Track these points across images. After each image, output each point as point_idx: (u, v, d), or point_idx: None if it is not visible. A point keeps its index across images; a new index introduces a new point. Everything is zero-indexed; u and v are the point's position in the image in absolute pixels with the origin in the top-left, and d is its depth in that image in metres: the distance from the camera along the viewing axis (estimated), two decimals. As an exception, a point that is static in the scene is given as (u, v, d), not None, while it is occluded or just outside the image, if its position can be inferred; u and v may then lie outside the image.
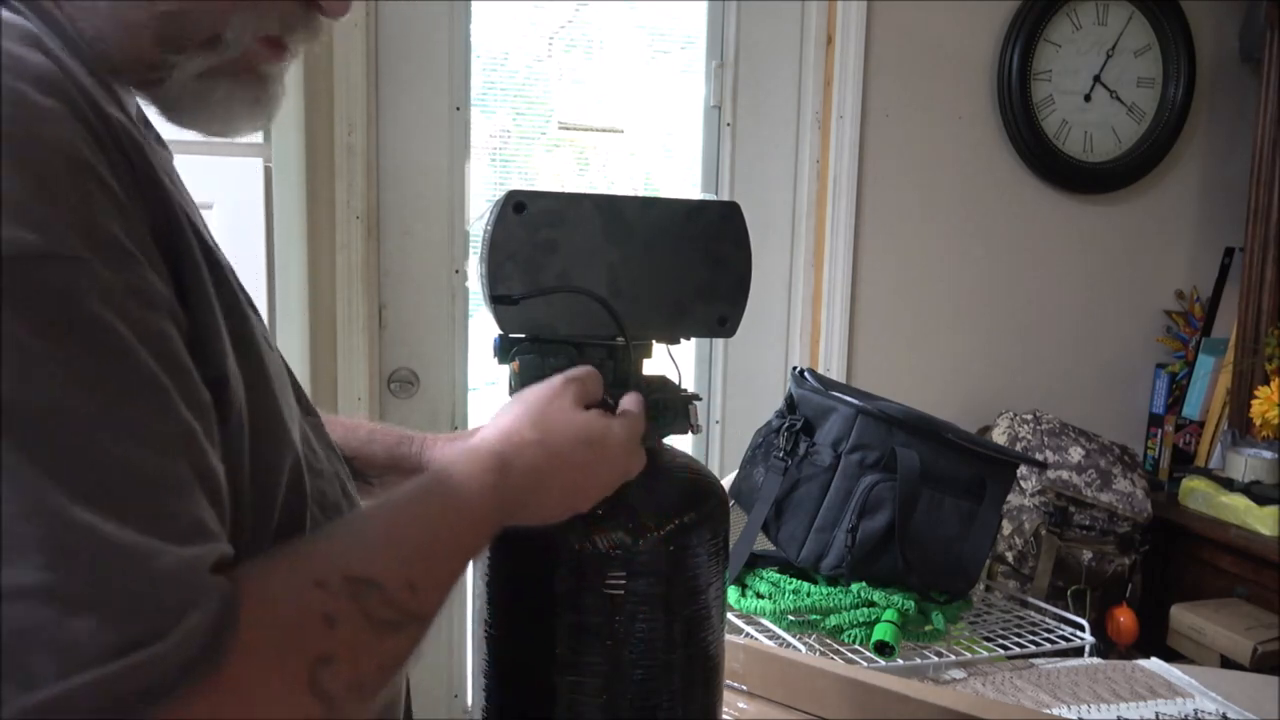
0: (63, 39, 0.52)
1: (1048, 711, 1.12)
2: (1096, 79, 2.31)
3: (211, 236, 0.59)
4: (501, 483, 0.63)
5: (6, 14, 0.49)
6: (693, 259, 0.75)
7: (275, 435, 0.59)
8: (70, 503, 0.42)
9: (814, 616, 1.26)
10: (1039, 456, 2.06)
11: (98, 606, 0.41)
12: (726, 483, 1.37)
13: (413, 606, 0.54)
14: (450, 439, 0.90)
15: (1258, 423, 2.10)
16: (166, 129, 0.64)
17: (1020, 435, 2.11)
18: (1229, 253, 2.43)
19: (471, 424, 2.11)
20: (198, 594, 0.44)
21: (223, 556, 0.47)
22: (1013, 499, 2.02)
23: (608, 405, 0.72)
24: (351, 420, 0.94)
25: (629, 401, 0.73)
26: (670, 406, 0.75)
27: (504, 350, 0.75)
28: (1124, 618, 1.99)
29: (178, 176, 0.63)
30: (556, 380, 0.70)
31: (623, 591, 0.69)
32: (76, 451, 0.43)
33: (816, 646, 1.26)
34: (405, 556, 0.56)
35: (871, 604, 1.25)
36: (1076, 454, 2.07)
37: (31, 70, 0.46)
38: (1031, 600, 1.49)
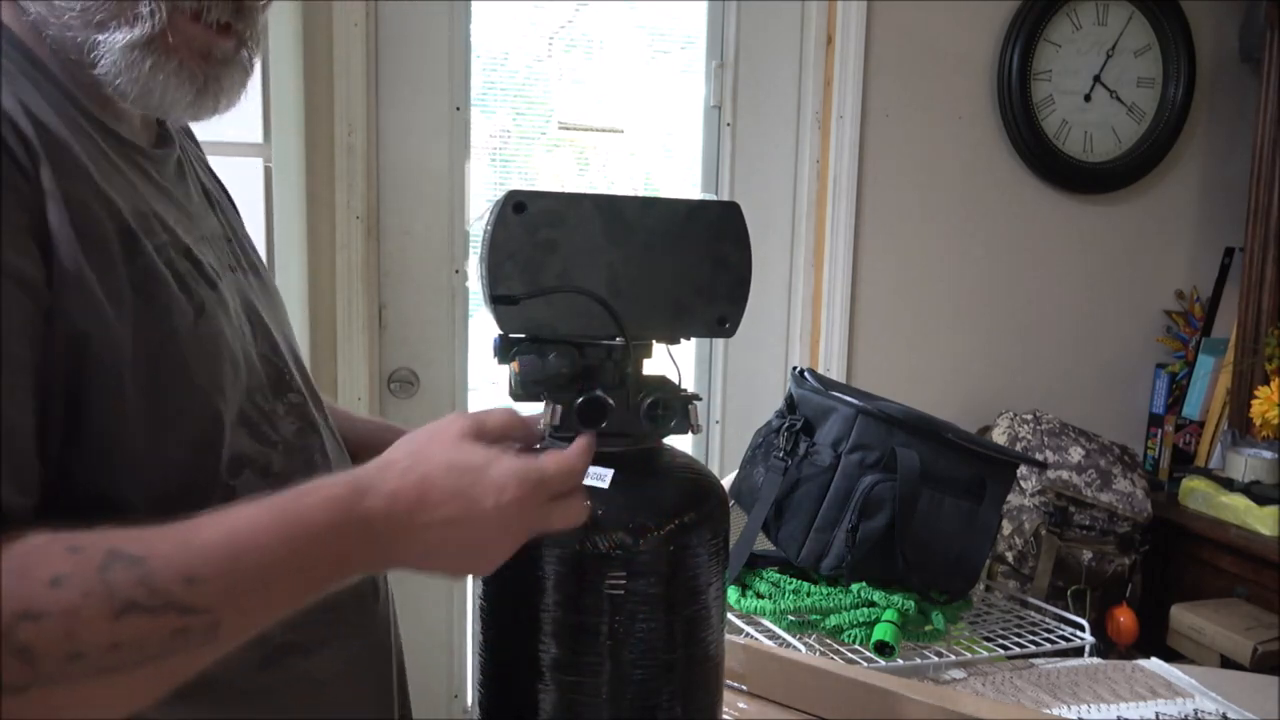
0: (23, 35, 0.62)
1: (1048, 711, 1.12)
2: (1096, 79, 2.30)
3: (161, 218, 0.66)
4: (351, 501, 0.59)
5: None
6: (693, 259, 0.75)
7: (183, 394, 0.63)
8: None
9: (814, 616, 1.26)
10: (1039, 456, 2.06)
11: None
12: (726, 483, 1.37)
13: (181, 596, 0.52)
14: None
15: (1258, 423, 2.10)
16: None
17: (1020, 435, 2.11)
18: (1229, 253, 2.43)
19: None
20: None
21: None
22: (1013, 499, 2.02)
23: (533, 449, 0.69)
24: (359, 415, 0.98)
25: (573, 448, 0.67)
26: (670, 406, 0.75)
27: (504, 350, 0.75)
28: (1124, 618, 1.99)
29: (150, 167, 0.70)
30: (451, 415, 0.67)
31: (623, 591, 0.69)
32: None
33: (816, 646, 1.26)
34: (196, 547, 0.54)
35: (871, 604, 1.25)
36: (1076, 454, 2.07)
37: None
38: (1031, 600, 1.49)
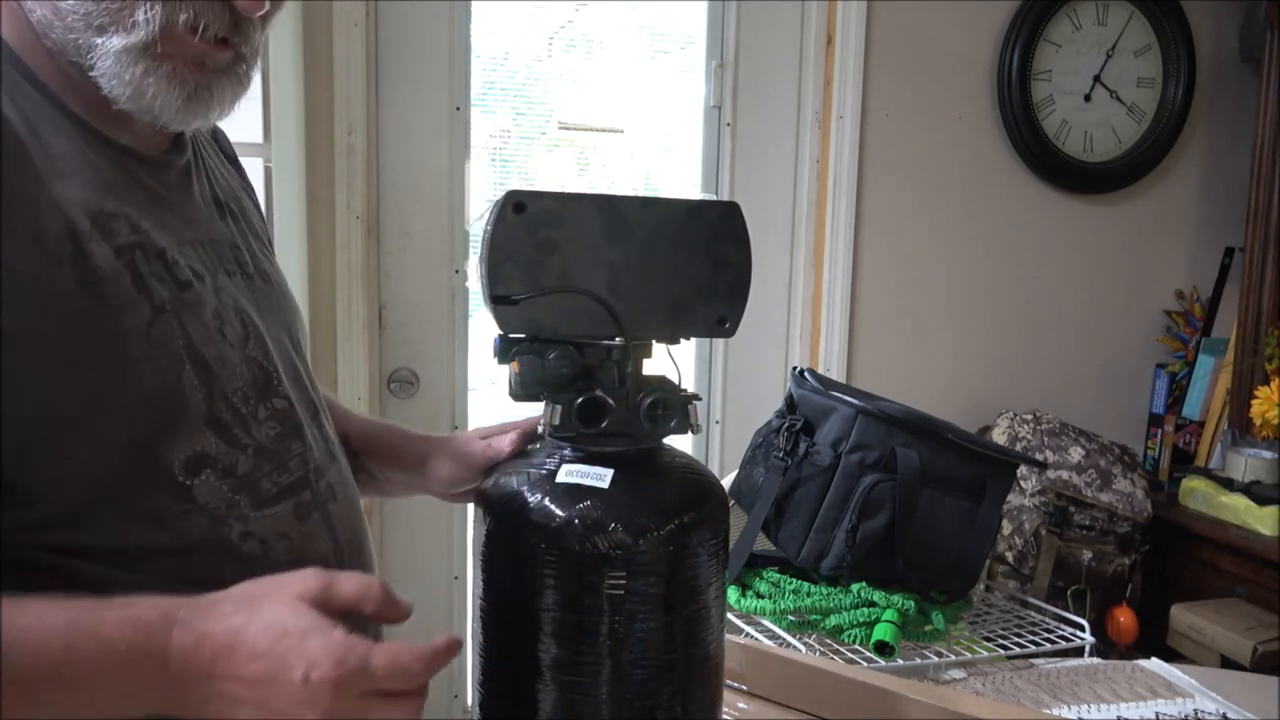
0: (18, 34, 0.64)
1: (1048, 711, 1.12)
2: (1096, 79, 2.30)
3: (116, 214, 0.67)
4: (156, 628, 0.56)
5: None
6: (693, 259, 0.75)
7: (124, 391, 0.64)
8: None
9: (814, 616, 1.26)
10: (1039, 456, 2.06)
11: None
12: (726, 483, 1.37)
13: None
14: (451, 438, 0.92)
15: (1258, 423, 2.10)
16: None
17: (1020, 435, 2.11)
18: (1229, 253, 2.43)
19: (472, 424, 2.11)
20: None
21: None
22: (1013, 499, 2.02)
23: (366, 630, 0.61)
24: (360, 415, 0.98)
25: (413, 651, 0.58)
26: (670, 406, 0.75)
27: (504, 350, 0.75)
28: (1124, 618, 1.99)
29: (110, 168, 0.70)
30: (307, 571, 0.61)
31: (623, 591, 0.69)
32: None
33: (816, 646, 1.26)
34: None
35: (871, 604, 1.25)
36: (1076, 454, 2.07)
37: None
38: (1031, 600, 1.49)
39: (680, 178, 2.24)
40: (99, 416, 0.63)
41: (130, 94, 0.67)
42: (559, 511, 0.70)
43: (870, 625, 1.23)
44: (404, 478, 0.95)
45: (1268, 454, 2.11)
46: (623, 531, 0.69)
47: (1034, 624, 1.38)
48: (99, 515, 0.64)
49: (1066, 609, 1.64)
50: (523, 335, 0.74)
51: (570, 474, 0.72)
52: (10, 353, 0.60)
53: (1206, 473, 2.22)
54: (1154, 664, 1.28)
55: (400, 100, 1.97)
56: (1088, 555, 2.02)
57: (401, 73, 1.97)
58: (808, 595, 1.27)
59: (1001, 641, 1.32)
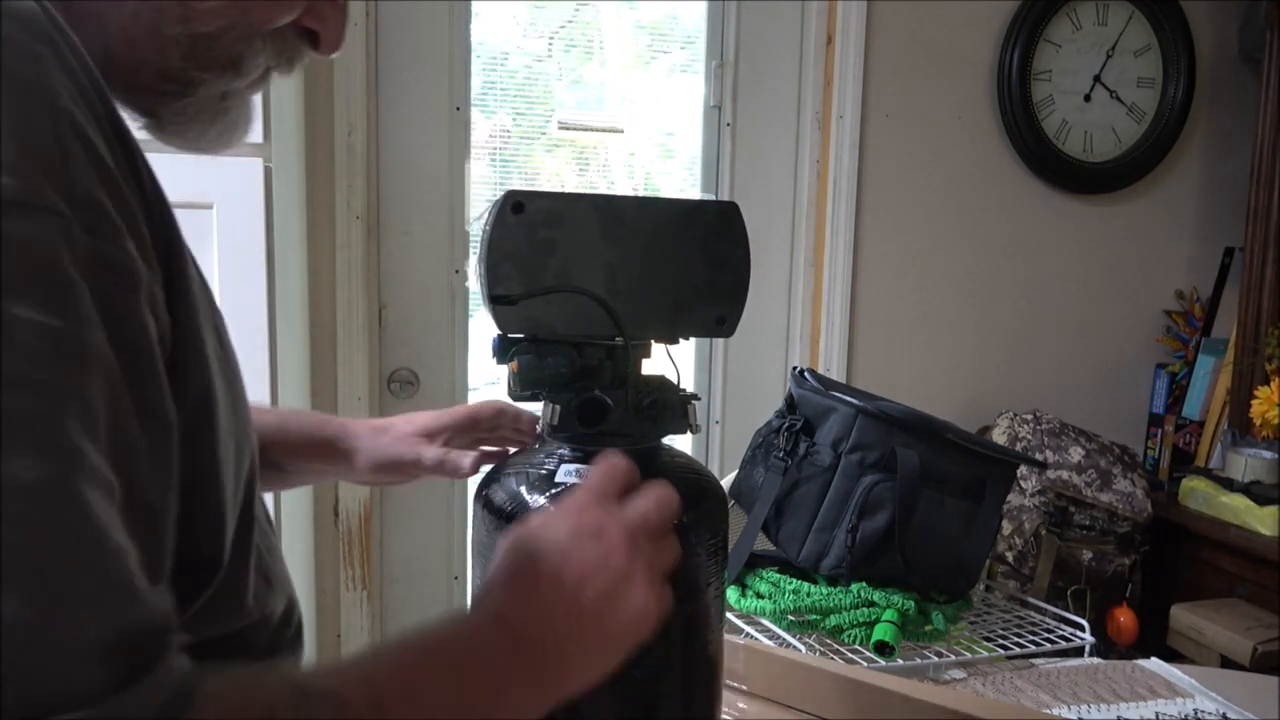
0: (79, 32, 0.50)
1: (1048, 711, 1.12)
2: (1096, 79, 2.30)
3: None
4: (491, 590, 0.57)
5: None
6: (692, 259, 0.75)
7: (247, 456, 0.57)
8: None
9: (814, 616, 1.26)
10: (1039, 456, 2.05)
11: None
12: (726, 483, 1.37)
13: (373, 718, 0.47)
14: (375, 428, 0.88)
15: (1258, 423, 2.10)
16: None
17: (1020, 435, 2.11)
18: (1229, 253, 2.43)
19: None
20: (144, 668, 0.39)
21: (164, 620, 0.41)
22: (1013, 499, 2.02)
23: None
24: (259, 405, 0.85)
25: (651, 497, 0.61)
26: (669, 406, 0.75)
27: (503, 350, 0.75)
28: (1124, 618, 1.99)
29: None
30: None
31: (622, 591, 0.69)
32: (32, 424, 0.38)
33: (816, 646, 1.26)
34: (372, 672, 0.49)
35: (871, 604, 1.24)
36: (1076, 454, 2.07)
37: (20, 13, 0.44)
38: (1031, 600, 1.49)
39: (680, 178, 2.24)
40: (234, 481, 0.57)
41: (193, 134, 0.61)
42: (558, 511, 0.70)
43: (870, 625, 1.23)
44: (317, 466, 0.89)
45: (1268, 454, 2.11)
46: (622, 531, 0.69)
47: (1034, 624, 1.38)
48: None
49: (1066, 609, 1.64)
50: (522, 335, 0.74)
51: (569, 474, 0.72)
52: (226, 414, 0.53)
53: (1206, 473, 2.22)
54: (1154, 664, 1.28)
55: (400, 100, 1.97)
56: (1088, 555, 2.02)
57: (401, 73, 1.97)
58: (808, 595, 1.27)
59: (1001, 641, 1.32)
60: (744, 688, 1.10)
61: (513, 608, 0.55)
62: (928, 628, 1.26)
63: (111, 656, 0.37)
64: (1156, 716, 1.13)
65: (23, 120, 0.41)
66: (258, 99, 0.67)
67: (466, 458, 0.85)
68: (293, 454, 0.88)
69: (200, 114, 0.60)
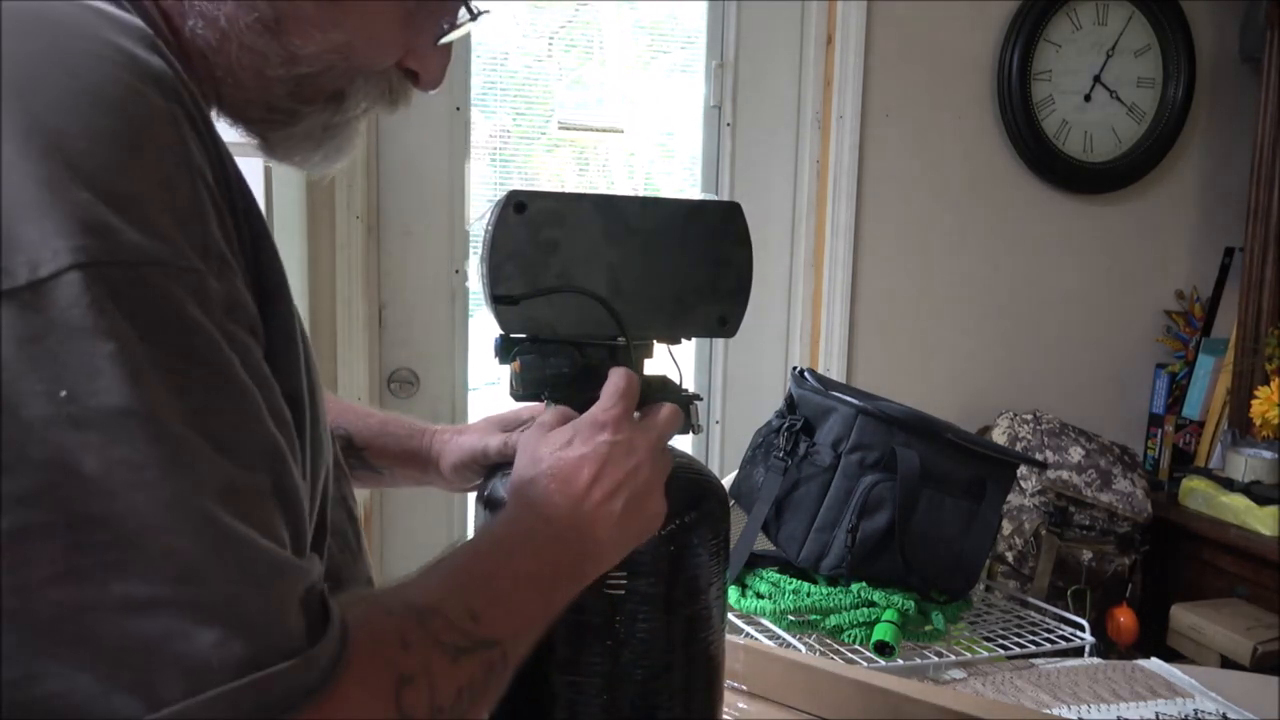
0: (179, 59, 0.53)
1: (1048, 711, 1.12)
2: (1096, 79, 2.31)
3: None
4: (531, 500, 0.64)
5: (126, 14, 0.48)
6: (693, 259, 0.75)
7: (323, 464, 0.60)
8: (217, 511, 0.42)
9: (814, 616, 1.26)
10: (1039, 456, 2.06)
11: (229, 620, 0.41)
12: (726, 483, 1.37)
13: (477, 632, 0.55)
14: (456, 431, 0.91)
15: (1258, 423, 2.10)
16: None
17: (1020, 435, 2.11)
18: (1229, 253, 2.43)
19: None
20: (322, 619, 0.45)
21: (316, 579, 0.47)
22: (1013, 499, 2.02)
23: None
24: (363, 408, 0.95)
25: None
26: (670, 407, 0.75)
27: (505, 350, 0.74)
28: (1124, 618, 1.99)
29: None
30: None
31: (623, 591, 0.69)
32: (203, 460, 0.42)
33: (816, 646, 1.26)
34: (459, 585, 0.57)
35: (871, 604, 1.25)
36: (1076, 454, 2.08)
37: (151, 71, 0.46)
38: (1031, 600, 1.49)
39: (680, 178, 2.24)
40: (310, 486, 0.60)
41: (299, 159, 0.65)
42: (560, 511, 0.70)
43: (870, 625, 1.23)
44: (410, 473, 0.94)
45: (1268, 454, 2.11)
46: (623, 531, 0.69)
47: (1034, 624, 1.38)
48: None
49: (1066, 609, 1.64)
50: (524, 335, 0.74)
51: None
52: (310, 419, 0.57)
53: (1206, 473, 2.22)
54: (1154, 664, 1.28)
55: (400, 100, 1.97)
56: (1088, 555, 2.02)
57: (401, 73, 1.97)
58: (808, 595, 1.27)
59: (1001, 641, 1.32)
60: (744, 688, 1.10)
61: (561, 512, 0.64)
62: (928, 628, 1.26)
63: (304, 611, 0.45)
64: (1156, 716, 1.13)
65: (165, 184, 0.44)
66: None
67: None
68: (388, 459, 0.93)
69: (305, 141, 0.63)
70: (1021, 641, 1.32)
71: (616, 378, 0.70)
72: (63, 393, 0.39)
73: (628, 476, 0.66)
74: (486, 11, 0.64)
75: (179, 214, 0.44)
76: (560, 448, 0.66)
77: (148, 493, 0.40)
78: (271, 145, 0.63)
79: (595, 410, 0.68)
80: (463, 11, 0.64)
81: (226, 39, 0.55)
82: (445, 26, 0.64)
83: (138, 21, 0.48)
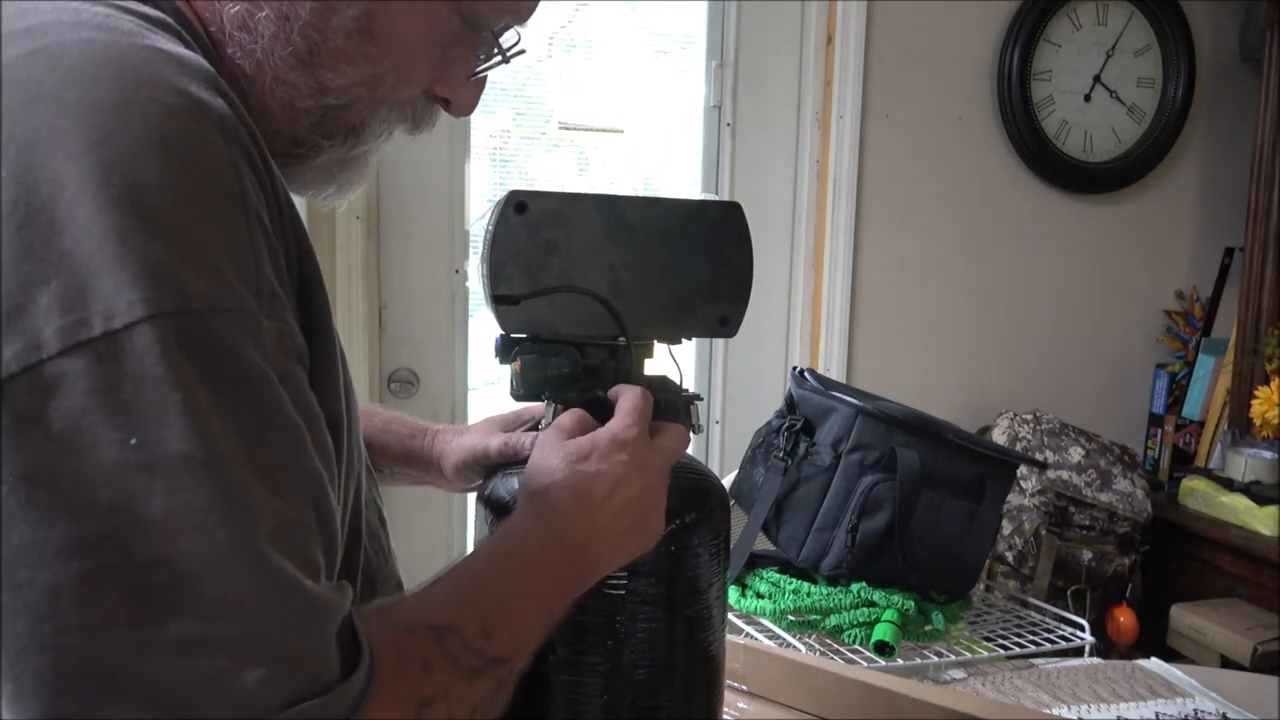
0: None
1: (1048, 711, 1.12)
2: (1096, 79, 2.31)
3: None
4: (545, 512, 0.65)
5: (188, 52, 0.49)
6: (694, 259, 0.75)
7: (355, 475, 0.61)
8: (268, 551, 0.44)
9: (814, 616, 1.26)
10: (1039, 456, 2.06)
11: (275, 658, 0.43)
12: (726, 483, 1.37)
13: (490, 651, 0.56)
14: (457, 431, 0.91)
15: (1258, 423, 2.10)
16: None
17: (1020, 435, 2.11)
18: (1229, 253, 2.43)
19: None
20: (357, 652, 0.48)
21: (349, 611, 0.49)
22: (1013, 499, 2.02)
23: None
24: (366, 407, 0.95)
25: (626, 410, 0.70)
26: (671, 407, 0.75)
27: (505, 350, 0.75)
28: (1124, 618, 1.99)
29: None
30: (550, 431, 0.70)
31: (624, 591, 0.69)
32: (259, 501, 0.44)
33: (816, 646, 1.26)
34: (474, 602, 0.58)
35: (871, 604, 1.25)
36: (1076, 454, 2.08)
37: (214, 115, 0.47)
38: (1031, 600, 1.49)
39: (680, 178, 2.24)
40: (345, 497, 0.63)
41: (318, 189, 0.66)
42: (560, 511, 0.70)
43: (870, 625, 1.23)
44: (411, 473, 0.95)
45: (1268, 454, 2.11)
46: (624, 531, 0.69)
47: (1034, 624, 1.38)
48: None
49: (1066, 609, 1.64)
50: (524, 335, 0.74)
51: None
52: (348, 438, 0.59)
53: (1206, 473, 2.22)
54: (1154, 664, 1.28)
55: (400, 100, 1.97)
56: (1088, 555, 2.02)
57: (402, 72, 1.97)
58: (808, 595, 1.27)
59: (1001, 641, 1.32)
60: (744, 688, 1.10)
61: (574, 529, 0.65)
62: (928, 628, 1.26)
63: (339, 645, 0.47)
64: (1156, 716, 1.13)
65: (225, 231, 0.46)
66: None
67: (528, 438, 0.85)
68: (389, 458, 0.94)
69: (322, 174, 0.64)
70: (1021, 641, 1.32)
71: (634, 397, 0.70)
72: (133, 440, 0.41)
73: (639, 496, 0.67)
74: (522, 52, 0.65)
75: (237, 258, 0.46)
76: (578, 460, 0.66)
77: (207, 535, 0.42)
78: (289, 180, 0.63)
79: (614, 427, 0.68)
80: (501, 38, 0.64)
81: (261, 70, 0.56)
82: (481, 57, 0.64)
83: (201, 61, 0.49)
